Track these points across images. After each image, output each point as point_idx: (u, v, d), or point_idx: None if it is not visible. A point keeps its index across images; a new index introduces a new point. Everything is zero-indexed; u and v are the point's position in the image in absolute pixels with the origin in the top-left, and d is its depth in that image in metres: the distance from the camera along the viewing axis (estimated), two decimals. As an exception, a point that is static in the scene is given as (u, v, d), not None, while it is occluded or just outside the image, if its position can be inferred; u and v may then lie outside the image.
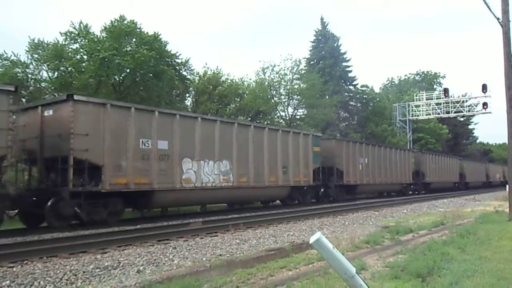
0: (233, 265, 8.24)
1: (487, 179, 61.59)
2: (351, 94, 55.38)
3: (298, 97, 41.91)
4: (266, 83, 40.29)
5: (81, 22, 25.96)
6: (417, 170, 40.26)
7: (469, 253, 8.55)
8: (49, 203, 13.63)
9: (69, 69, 25.59)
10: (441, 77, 76.27)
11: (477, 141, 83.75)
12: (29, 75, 25.31)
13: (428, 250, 8.65)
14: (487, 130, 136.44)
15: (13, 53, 24.93)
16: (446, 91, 49.42)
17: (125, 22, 26.29)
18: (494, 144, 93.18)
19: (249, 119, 35.80)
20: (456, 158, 52.09)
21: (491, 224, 13.63)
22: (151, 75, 26.54)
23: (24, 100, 22.59)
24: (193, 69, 32.21)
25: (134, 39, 26.52)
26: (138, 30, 26.48)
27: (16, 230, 13.69)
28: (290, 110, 42.82)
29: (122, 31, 25.63)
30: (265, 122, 35.63)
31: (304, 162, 24.81)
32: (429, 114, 53.52)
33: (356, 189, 30.78)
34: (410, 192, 39.83)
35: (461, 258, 7.92)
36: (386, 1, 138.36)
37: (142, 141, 16.12)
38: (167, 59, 27.91)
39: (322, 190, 27.60)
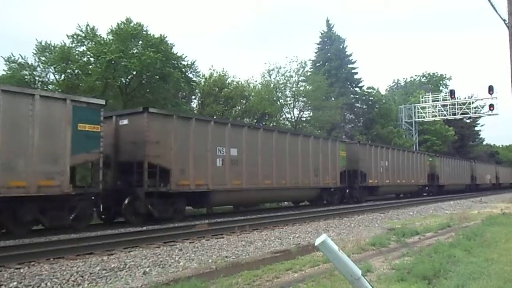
0: (239, 267, 8.26)
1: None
2: (357, 96, 55.27)
3: (304, 99, 41.87)
4: (272, 85, 40.30)
5: (87, 25, 26.16)
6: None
7: (476, 255, 8.51)
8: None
9: (76, 71, 25.75)
10: (447, 79, 76.14)
11: (484, 142, 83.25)
12: (36, 78, 25.51)
13: (434, 252, 8.63)
14: (494, 131, 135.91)
15: (21, 56, 25.18)
16: (452, 92, 49.25)
17: (132, 24, 26.41)
18: (500, 146, 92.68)
19: (255, 121, 35.82)
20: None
21: (498, 226, 13.56)
22: (157, 77, 26.63)
23: None
24: (199, 71, 32.32)
25: (140, 42, 26.65)
26: (144, 32, 26.60)
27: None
28: (296, 112, 42.86)
29: (128, 33, 25.76)
30: (271, 124, 35.65)
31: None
32: (435, 116, 53.33)
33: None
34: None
35: (467, 261, 7.88)
36: (391, 3, 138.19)
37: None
38: (173, 61, 27.99)
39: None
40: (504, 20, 15.82)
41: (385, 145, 37.56)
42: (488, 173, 54.83)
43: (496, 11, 15.78)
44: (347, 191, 29.02)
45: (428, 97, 54.10)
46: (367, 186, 30.20)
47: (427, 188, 41.10)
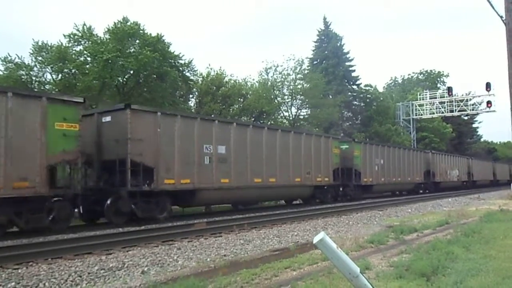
0: (237, 265, 8.26)
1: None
2: (355, 94, 55.33)
3: (301, 97, 41.86)
4: (269, 83, 40.28)
5: (84, 24, 26.11)
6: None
7: (474, 252, 8.53)
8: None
9: (73, 71, 25.72)
10: (445, 76, 76.09)
11: (481, 139, 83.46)
12: (33, 77, 25.46)
13: (433, 249, 8.63)
14: (492, 128, 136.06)
15: (17, 56, 25.11)
16: (449, 89, 49.31)
17: (128, 23, 26.36)
18: (498, 143, 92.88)
19: (253, 119, 35.83)
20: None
21: (496, 223, 13.58)
22: (154, 76, 26.61)
23: None
24: (196, 70, 32.32)
25: (137, 41, 26.61)
26: (141, 31, 26.55)
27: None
28: (294, 110, 42.85)
29: (125, 32, 25.72)
30: (269, 123, 35.67)
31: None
32: (433, 113, 53.38)
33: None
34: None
35: (465, 257, 7.90)
36: (389, 0, 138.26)
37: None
38: (170, 60, 27.94)
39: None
40: (501, 17, 15.82)
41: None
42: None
43: (493, 7, 15.78)
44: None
45: (426, 95, 54.16)
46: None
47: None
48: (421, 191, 40.43)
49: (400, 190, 38.74)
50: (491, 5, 15.70)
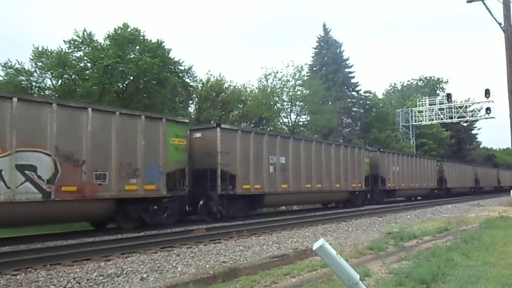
0: (236, 272, 8.23)
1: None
2: (354, 100, 55.37)
3: (301, 103, 41.85)
4: (269, 89, 40.28)
5: (84, 30, 26.08)
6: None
7: (474, 259, 8.51)
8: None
9: (73, 76, 25.68)
10: (444, 83, 76.23)
11: (481, 146, 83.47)
12: (33, 83, 25.38)
13: (432, 256, 8.61)
14: (491, 135, 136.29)
15: (17, 61, 25.07)
16: (449, 96, 49.43)
17: (129, 29, 26.38)
18: (497, 149, 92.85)
19: (252, 125, 35.83)
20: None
21: (496, 229, 13.56)
22: (154, 82, 26.59)
23: None
24: (196, 76, 32.25)
25: (137, 47, 26.60)
26: (141, 37, 26.56)
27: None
28: (293, 116, 42.80)
29: (125, 38, 25.72)
30: (268, 129, 35.65)
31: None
32: (432, 120, 53.50)
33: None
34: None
35: (465, 264, 7.88)
36: (389, 7, 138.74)
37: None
38: (170, 66, 27.94)
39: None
40: (500, 24, 15.92)
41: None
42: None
43: (492, 15, 15.89)
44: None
45: (425, 101, 54.27)
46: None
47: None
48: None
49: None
50: (490, 12, 15.81)
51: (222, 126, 19.84)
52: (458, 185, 48.27)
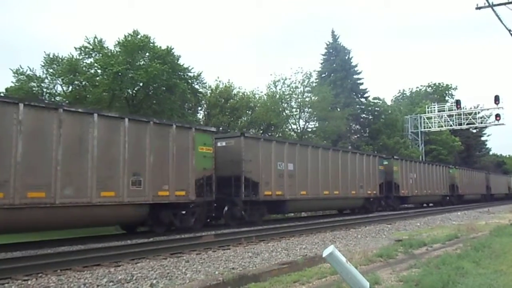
0: (245, 278, 8.24)
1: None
2: (363, 107, 55.21)
3: (309, 109, 41.87)
4: (277, 96, 40.31)
5: (95, 37, 26.34)
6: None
7: (484, 267, 8.45)
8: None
9: (83, 83, 25.93)
10: (453, 89, 75.66)
11: (490, 152, 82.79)
12: (44, 89, 25.69)
13: (442, 264, 8.57)
14: (500, 141, 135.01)
15: (29, 68, 25.39)
16: (458, 102, 49.08)
17: (139, 36, 26.60)
18: (507, 156, 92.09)
19: (261, 132, 35.85)
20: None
21: (506, 237, 13.44)
22: (163, 88, 26.74)
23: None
24: (205, 83, 32.40)
25: (147, 53, 26.79)
26: (151, 44, 26.75)
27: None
28: (302, 123, 42.84)
29: (135, 45, 25.92)
30: (277, 135, 35.68)
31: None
32: (441, 126, 53.21)
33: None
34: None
35: (476, 272, 7.83)
36: (397, 14, 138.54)
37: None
38: (179, 73, 28.10)
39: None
40: (510, 30, 15.86)
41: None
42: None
43: (501, 21, 15.84)
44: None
45: (434, 107, 54.02)
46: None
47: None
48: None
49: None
50: (500, 19, 15.76)
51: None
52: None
